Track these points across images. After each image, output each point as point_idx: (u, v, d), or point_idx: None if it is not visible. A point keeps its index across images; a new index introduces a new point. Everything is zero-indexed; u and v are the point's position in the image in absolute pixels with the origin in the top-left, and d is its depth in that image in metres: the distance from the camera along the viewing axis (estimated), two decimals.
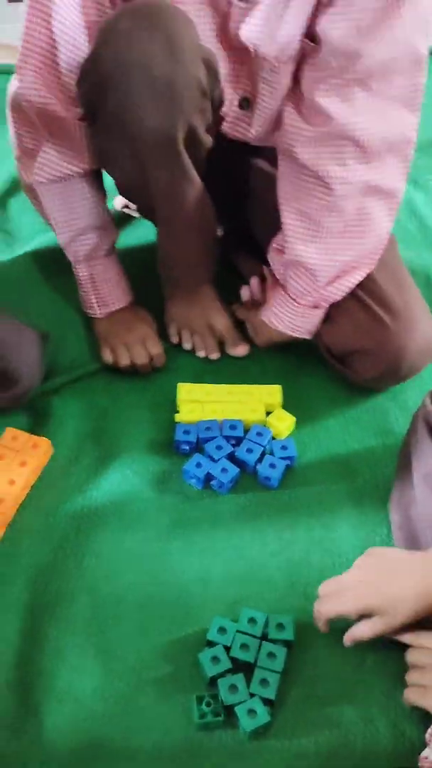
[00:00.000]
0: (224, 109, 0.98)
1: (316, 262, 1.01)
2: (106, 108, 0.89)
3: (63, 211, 1.05)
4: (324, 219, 0.98)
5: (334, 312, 1.06)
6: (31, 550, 0.93)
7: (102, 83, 0.87)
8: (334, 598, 0.82)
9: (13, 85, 0.97)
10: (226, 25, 0.91)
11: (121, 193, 1.10)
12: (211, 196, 1.04)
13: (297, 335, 1.08)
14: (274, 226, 1.05)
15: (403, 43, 0.88)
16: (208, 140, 0.95)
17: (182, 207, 1.00)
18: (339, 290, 1.03)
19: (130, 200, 1.15)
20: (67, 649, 0.84)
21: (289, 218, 1.01)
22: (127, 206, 1.36)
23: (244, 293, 1.14)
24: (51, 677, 0.82)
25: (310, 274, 1.01)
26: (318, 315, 1.06)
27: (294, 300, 1.05)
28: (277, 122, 1.00)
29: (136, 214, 1.33)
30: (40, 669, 0.83)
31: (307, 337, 1.09)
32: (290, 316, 1.07)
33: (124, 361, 1.11)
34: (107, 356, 1.12)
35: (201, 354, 1.16)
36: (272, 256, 1.07)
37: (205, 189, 1.01)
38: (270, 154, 1.06)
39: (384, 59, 0.89)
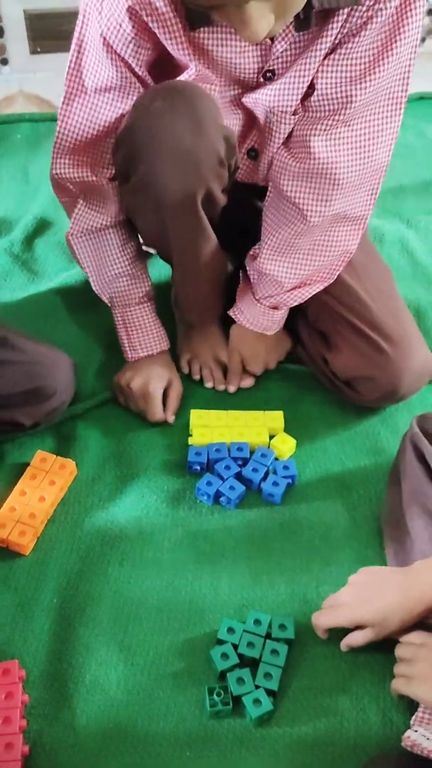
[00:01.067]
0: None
1: (283, 275, 1.15)
2: (137, 173, 1.02)
3: (96, 260, 1.17)
4: (295, 241, 1.12)
5: (339, 342, 1.18)
6: (60, 559, 1.04)
7: (135, 154, 1.01)
8: (331, 611, 0.94)
9: (52, 167, 1.11)
10: (248, 93, 1.04)
11: (144, 243, 1.22)
12: (224, 236, 1.16)
13: (255, 329, 1.21)
14: None
15: (385, 86, 1.01)
16: (223, 199, 1.08)
17: (197, 257, 1.13)
18: (299, 297, 1.18)
19: (151, 247, 1.27)
20: (95, 646, 0.95)
21: (266, 237, 1.15)
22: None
23: None
24: (81, 670, 0.93)
25: (277, 282, 1.15)
26: (277, 315, 1.20)
27: (258, 301, 1.18)
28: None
29: (152, 251, 1.45)
30: (71, 663, 0.93)
31: (267, 333, 1.22)
32: (252, 314, 1.20)
33: (133, 408, 1.22)
34: (120, 400, 1.23)
35: (209, 385, 1.27)
36: (248, 261, 1.19)
37: (217, 242, 1.14)
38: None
39: (368, 101, 1.02)
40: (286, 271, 1.14)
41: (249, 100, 1.05)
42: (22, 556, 1.04)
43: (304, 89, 1.02)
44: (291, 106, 1.04)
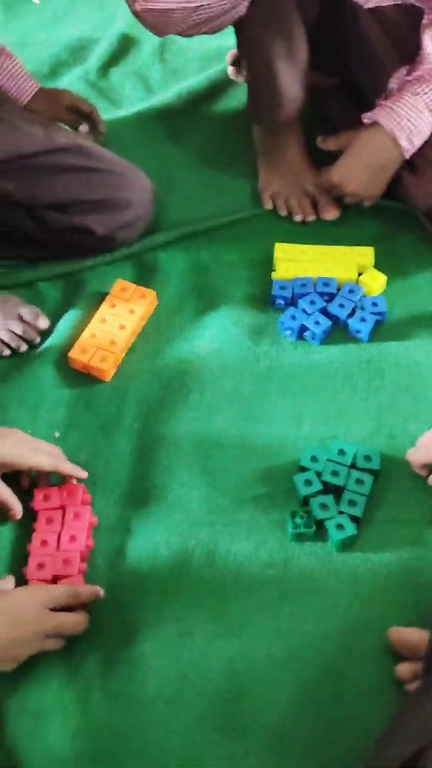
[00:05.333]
0: None
1: None
2: None
3: None
4: None
5: (421, 164, 1.09)
6: (140, 386, 1.03)
7: None
8: (426, 447, 0.90)
9: None
10: None
11: None
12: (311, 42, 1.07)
13: (394, 132, 1.07)
14: (374, 64, 1.08)
15: None
16: None
17: (288, 34, 1.05)
18: None
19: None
20: (176, 468, 0.95)
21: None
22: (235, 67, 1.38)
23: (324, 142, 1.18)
24: (163, 490, 0.93)
25: None
26: (426, 122, 1.06)
27: (416, 95, 1.05)
28: None
29: (241, 79, 1.36)
30: (154, 483, 0.94)
31: (404, 145, 1.07)
32: (403, 110, 1.06)
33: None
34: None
35: (298, 218, 1.20)
36: (391, 87, 1.09)
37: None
38: None
39: None
40: None
41: None
42: (103, 382, 1.03)
43: None
44: None
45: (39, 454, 0.89)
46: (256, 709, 0.77)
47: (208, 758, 0.74)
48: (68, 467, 0.91)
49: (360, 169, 1.12)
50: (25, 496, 0.91)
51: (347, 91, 1.26)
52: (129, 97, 1.40)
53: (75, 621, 0.79)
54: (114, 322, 1.06)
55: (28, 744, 0.76)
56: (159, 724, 0.76)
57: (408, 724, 0.65)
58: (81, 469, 0.92)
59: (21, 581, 0.85)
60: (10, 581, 0.84)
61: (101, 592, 0.82)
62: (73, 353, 1.03)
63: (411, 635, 0.79)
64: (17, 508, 0.89)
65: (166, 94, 1.37)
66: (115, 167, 1.10)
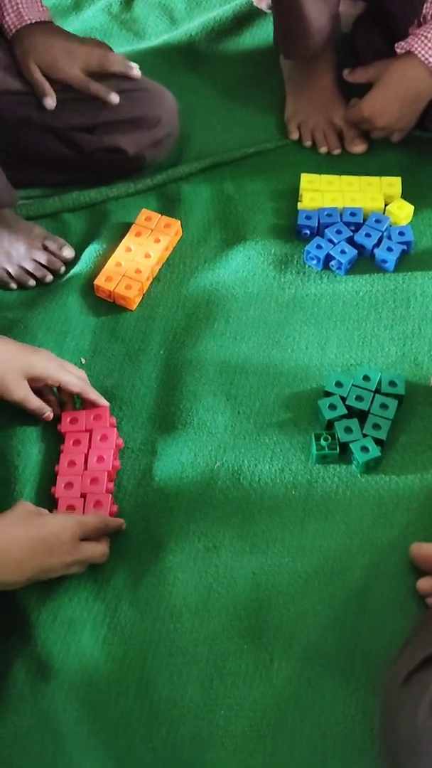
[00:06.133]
0: None
1: None
2: None
3: None
4: None
5: None
6: (166, 315, 1.03)
7: None
8: None
9: None
10: None
11: None
12: None
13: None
14: None
15: None
16: None
17: None
18: None
19: None
20: (202, 394, 0.95)
21: None
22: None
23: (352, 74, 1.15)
24: (189, 414, 0.94)
25: None
26: None
27: None
28: None
29: (264, 6, 1.33)
30: (179, 408, 0.94)
31: None
32: None
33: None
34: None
35: (323, 150, 1.18)
36: (426, 13, 1.05)
37: None
38: None
39: None
40: None
41: None
42: (129, 311, 1.04)
43: None
44: None
45: (68, 373, 0.90)
46: (281, 619, 0.79)
47: (234, 663, 0.77)
48: (93, 394, 0.92)
49: (392, 101, 1.10)
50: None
51: (375, 20, 1.23)
52: (152, 29, 1.38)
53: (101, 551, 0.81)
54: (139, 251, 1.06)
55: (60, 651, 0.78)
56: (186, 631, 0.79)
57: (428, 632, 0.67)
58: (104, 399, 0.93)
59: (50, 503, 0.87)
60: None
61: (124, 525, 0.84)
62: (99, 281, 1.03)
63: None
64: (48, 410, 0.91)
65: (190, 25, 1.35)
66: (144, 85, 1.09)
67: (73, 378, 0.91)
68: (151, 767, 0.72)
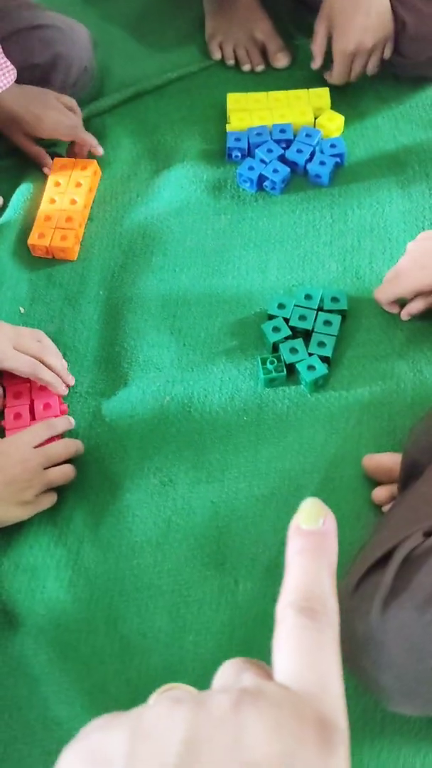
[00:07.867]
0: None
1: None
2: None
3: None
4: None
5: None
6: (102, 255, 1.01)
7: None
8: (392, 283, 0.89)
9: None
10: None
11: None
12: None
13: None
14: None
15: None
16: None
17: None
18: None
19: None
20: (145, 330, 0.94)
21: None
22: None
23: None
24: (134, 352, 0.93)
25: None
26: None
27: None
28: None
29: None
30: (124, 347, 0.93)
31: None
32: None
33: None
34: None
35: (246, 68, 1.15)
36: None
37: None
38: None
39: None
40: None
41: None
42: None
43: None
44: None
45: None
46: (242, 543, 0.80)
47: (199, 590, 0.77)
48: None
49: (351, 18, 1.02)
50: None
51: None
52: None
53: (65, 470, 0.81)
54: (64, 200, 1.03)
55: (25, 598, 0.78)
56: (149, 565, 0.79)
57: (381, 532, 0.67)
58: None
59: None
60: None
61: (81, 445, 0.84)
62: (32, 240, 1.00)
63: (385, 459, 0.80)
64: None
65: None
66: (54, 22, 1.04)
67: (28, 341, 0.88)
68: (127, 698, 0.73)
